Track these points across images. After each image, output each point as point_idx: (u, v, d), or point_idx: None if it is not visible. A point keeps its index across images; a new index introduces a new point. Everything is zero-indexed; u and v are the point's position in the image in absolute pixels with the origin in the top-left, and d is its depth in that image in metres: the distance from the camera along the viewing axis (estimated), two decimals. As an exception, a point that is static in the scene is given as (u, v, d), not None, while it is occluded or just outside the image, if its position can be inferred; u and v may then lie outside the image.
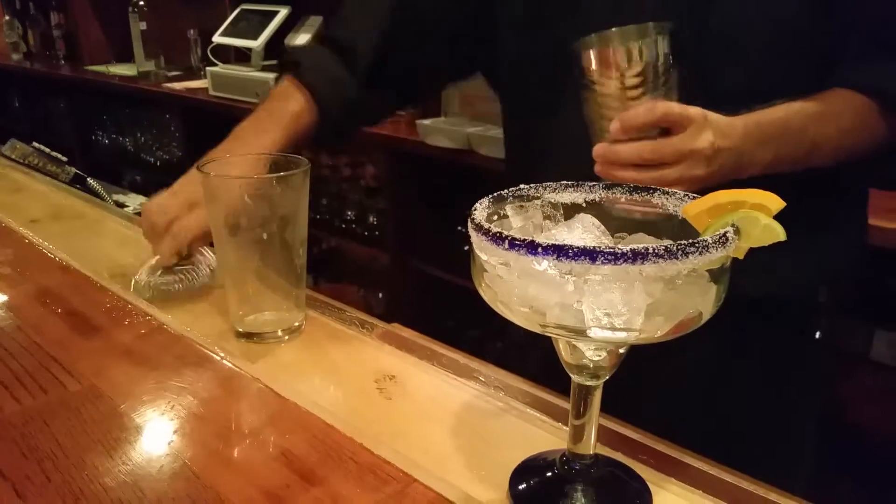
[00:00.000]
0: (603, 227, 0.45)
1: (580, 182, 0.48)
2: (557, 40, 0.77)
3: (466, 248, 0.43)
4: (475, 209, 0.44)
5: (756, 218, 0.40)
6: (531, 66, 0.83)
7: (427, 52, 0.91)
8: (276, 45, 2.51)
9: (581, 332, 0.39)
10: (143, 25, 3.00)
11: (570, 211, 0.48)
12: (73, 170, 1.30)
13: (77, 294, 0.80)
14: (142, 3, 2.98)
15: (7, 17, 3.77)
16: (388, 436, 0.55)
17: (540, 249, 0.37)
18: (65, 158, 1.32)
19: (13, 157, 1.35)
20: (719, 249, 0.38)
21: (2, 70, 3.84)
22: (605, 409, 0.49)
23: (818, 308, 0.84)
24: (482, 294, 0.43)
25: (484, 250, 0.41)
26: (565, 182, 0.48)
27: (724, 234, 0.38)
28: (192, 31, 3.03)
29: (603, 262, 0.36)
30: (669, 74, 0.65)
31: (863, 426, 1.37)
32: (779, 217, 0.41)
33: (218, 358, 0.67)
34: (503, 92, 0.93)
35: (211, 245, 0.79)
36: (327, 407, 0.59)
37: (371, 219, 2.37)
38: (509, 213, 0.47)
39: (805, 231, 0.72)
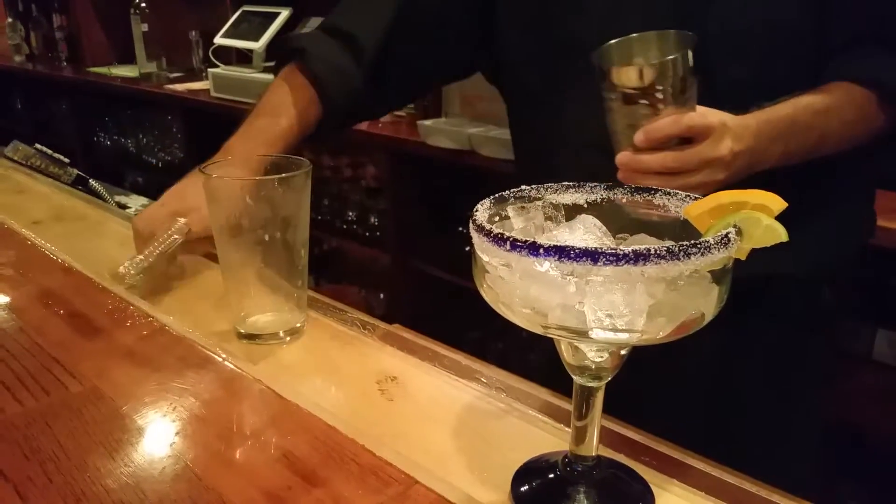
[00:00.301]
0: (604, 228, 0.45)
1: (581, 183, 0.48)
2: (560, 39, 0.77)
3: (468, 248, 0.43)
4: (476, 210, 0.44)
5: (758, 219, 0.40)
6: (534, 65, 0.83)
7: (429, 48, 0.91)
8: (277, 47, 2.51)
9: (583, 334, 0.39)
10: (145, 27, 3.00)
11: (572, 212, 0.48)
12: (76, 171, 1.30)
13: (79, 295, 0.80)
14: (143, 4, 2.99)
15: (9, 20, 3.78)
16: (390, 437, 0.55)
17: (541, 250, 0.37)
18: (67, 160, 1.32)
19: (15, 158, 1.35)
20: (721, 250, 0.38)
21: (4, 72, 3.85)
22: (608, 410, 0.49)
23: (820, 308, 0.84)
24: (484, 295, 0.43)
25: (485, 251, 0.41)
26: (566, 183, 0.48)
27: (726, 235, 0.38)
28: (193, 33, 3.03)
29: (605, 264, 0.36)
30: (689, 85, 0.66)
31: (865, 427, 1.37)
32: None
33: (219, 359, 0.67)
34: (507, 91, 0.93)
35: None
36: (329, 408, 0.59)
37: (372, 219, 2.37)
38: (511, 214, 0.47)
39: (803, 220, 0.73)
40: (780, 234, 0.40)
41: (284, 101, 0.85)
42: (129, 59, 3.23)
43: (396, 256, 2.14)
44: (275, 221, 0.66)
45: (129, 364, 0.66)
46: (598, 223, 0.45)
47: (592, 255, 0.36)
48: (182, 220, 0.79)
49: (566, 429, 0.55)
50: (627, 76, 0.66)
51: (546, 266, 0.37)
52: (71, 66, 3.54)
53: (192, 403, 0.60)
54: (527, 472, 0.50)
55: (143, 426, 0.57)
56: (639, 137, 0.66)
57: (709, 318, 0.41)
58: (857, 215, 0.84)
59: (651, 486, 0.49)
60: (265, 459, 0.53)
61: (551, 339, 0.42)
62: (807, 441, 0.85)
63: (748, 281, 0.74)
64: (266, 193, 0.64)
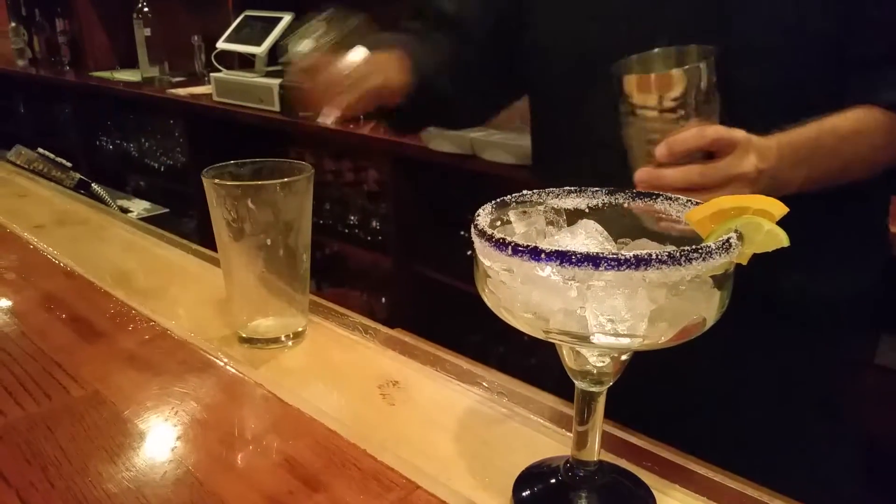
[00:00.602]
0: (606, 233, 0.45)
1: (583, 188, 0.48)
2: (586, 48, 0.75)
3: (469, 252, 0.43)
4: (478, 215, 0.44)
5: (759, 223, 0.40)
6: (559, 63, 0.82)
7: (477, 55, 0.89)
8: (279, 52, 2.52)
9: (584, 339, 0.39)
10: (148, 32, 3.01)
11: (573, 216, 0.48)
12: (78, 175, 1.31)
13: (81, 300, 0.80)
14: (146, 9, 3.00)
15: (13, 24, 3.79)
16: (392, 442, 0.55)
17: (543, 255, 0.37)
18: (69, 164, 1.33)
19: (18, 162, 1.36)
20: (723, 255, 0.38)
21: (7, 76, 3.86)
22: (609, 415, 0.49)
23: (827, 315, 0.83)
24: (485, 300, 0.43)
25: (487, 256, 0.41)
26: (568, 188, 0.48)
27: (728, 240, 0.38)
28: (196, 38, 3.04)
29: (606, 268, 0.36)
30: (711, 99, 0.64)
31: (868, 431, 1.36)
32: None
33: (221, 364, 0.67)
34: (531, 89, 0.92)
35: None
36: (330, 413, 0.59)
37: (374, 224, 2.37)
38: (512, 219, 0.47)
39: (825, 241, 0.72)
40: (782, 240, 0.40)
41: (381, 57, 0.81)
42: (132, 63, 3.24)
43: (398, 260, 2.14)
44: (277, 226, 0.66)
45: (130, 368, 0.66)
46: (600, 228, 0.45)
47: (594, 260, 0.36)
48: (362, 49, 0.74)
49: (568, 433, 0.55)
50: (646, 85, 0.64)
51: (548, 271, 0.37)
52: (73, 71, 3.55)
53: (194, 408, 0.60)
54: (528, 477, 0.50)
55: (144, 431, 0.57)
56: (661, 151, 0.62)
57: (710, 323, 0.41)
58: (880, 232, 0.83)
59: (653, 490, 0.49)
60: (267, 464, 0.53)
61: (553, 343, 0.42)
62: (808, 445, 0.85)
63: (774, 303, 0.74)
64: (268, 198, 0.65)
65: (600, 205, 0.48)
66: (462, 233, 1.99)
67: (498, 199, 0.47)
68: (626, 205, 0.48)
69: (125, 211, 1.35)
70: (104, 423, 0.58)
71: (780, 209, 0.41)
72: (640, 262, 0.36)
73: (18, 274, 0.88)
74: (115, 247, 0.99)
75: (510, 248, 0.38)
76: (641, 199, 0.47)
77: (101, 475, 0.51)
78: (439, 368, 0.66)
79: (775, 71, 0.71)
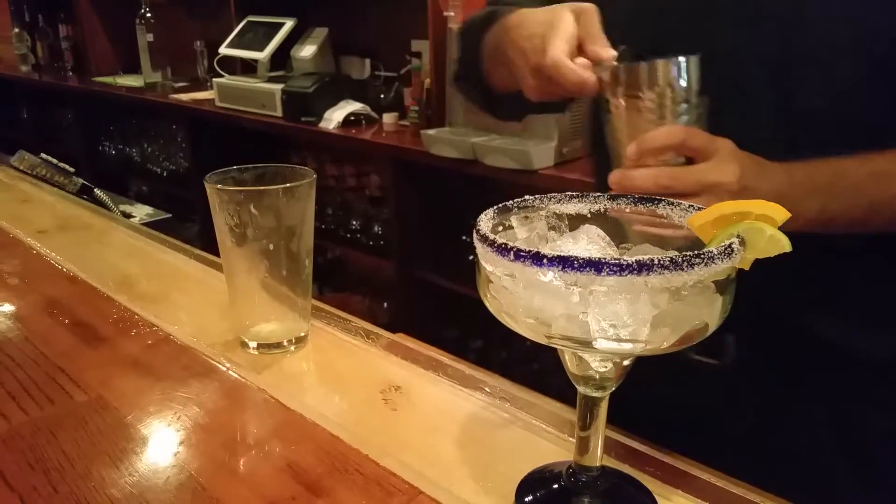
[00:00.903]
0: (608, 238, 0.45)
1: (584, 193, 0.49)
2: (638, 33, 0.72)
3: (471, 257, 0.43)
4: (480, 220, 0.44)
5: (761, 229, 0.40)
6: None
7: None
8: (281, 57, 2.53)
9: (587, 344, 0.39)
10: (150, 37, 3.03)
11: (575, 222, 0.48)
12: (81, 180, 1.31)
13: (84, 305, 0.80)
14: (149, 15, 3.01)
15: (16, 30, 3.81)
16: (394, 447, 0.55)
17: (545, 260, 0.37)
18: (72, 169, 1.33)
19: (21, 168, 1.36)
20: (725, 261, 0.38)
21: (10, 81, 3.88)
22: (612, 420, 0.49)
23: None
24: (487, 305, 0.43)
25: (489, 261, 0.41)
26: (570, 192, 0.49)
27: (730, 246, 0.38)
28: (198, 43, 3.06)
29: (608, 274, 0.36)
30: (691, 103, 0.61)
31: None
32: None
33: (224, 368, 0.67)
34: None
35: None
36: (333, 418, 0.59)
37: (376, 228, 2.38)
38: (514, 224, 0.47)
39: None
40: (784, 245, 0.40)
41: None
42: (135, 68, 3.25)
43: (400, 265, 2.15)
44: (279, 231, 0.66)
45: (133, 373, 0.66)
46: (602, 233, 0.46)
47: (596, 265, 0.36)
48: None
49: (570, 439, 0.55)
50: (615, 78, 0.61)
51: (550, 276, 0.37)
52: (76, 76, 3.57)
53: (197, 413, 0.60)
54: (531, 483, 0.50)
55: (147, 435, 0.57)
56: (631, 149, 0.58)
57: (712, 328, 0.41)
58: None
59: (656, 496, 0.49)
60: (269, 469, 0.53)
61: (555, 349, 0.42)
62: (812, 451, 0.85)
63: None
64: (271, 203, 0.65)
65: (602, 210, 0.48)
66: (464, 237, 1.99)
67: (500, 205, 0.47)
68: (627, 210, 0.48)
69: (128, 216, 1.36)
70: (107, 427, 0.58)
71: (782, 214, 0.41)
72: (642, 268, 0.36)
73: (21, 279, 0.88)
74: (118, 252, 0.99)
75: (512, 253, 0.38)
76: (643, 204, 0.48)
77: (104, 480, 0.51)
78: (441, 373, 0.66)
79: (834, 89, 0.65)
